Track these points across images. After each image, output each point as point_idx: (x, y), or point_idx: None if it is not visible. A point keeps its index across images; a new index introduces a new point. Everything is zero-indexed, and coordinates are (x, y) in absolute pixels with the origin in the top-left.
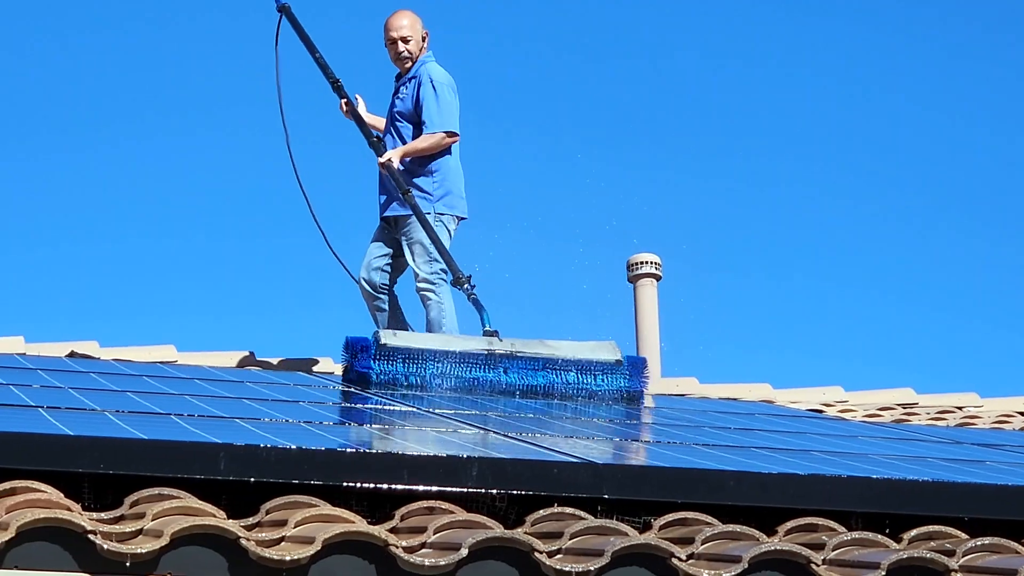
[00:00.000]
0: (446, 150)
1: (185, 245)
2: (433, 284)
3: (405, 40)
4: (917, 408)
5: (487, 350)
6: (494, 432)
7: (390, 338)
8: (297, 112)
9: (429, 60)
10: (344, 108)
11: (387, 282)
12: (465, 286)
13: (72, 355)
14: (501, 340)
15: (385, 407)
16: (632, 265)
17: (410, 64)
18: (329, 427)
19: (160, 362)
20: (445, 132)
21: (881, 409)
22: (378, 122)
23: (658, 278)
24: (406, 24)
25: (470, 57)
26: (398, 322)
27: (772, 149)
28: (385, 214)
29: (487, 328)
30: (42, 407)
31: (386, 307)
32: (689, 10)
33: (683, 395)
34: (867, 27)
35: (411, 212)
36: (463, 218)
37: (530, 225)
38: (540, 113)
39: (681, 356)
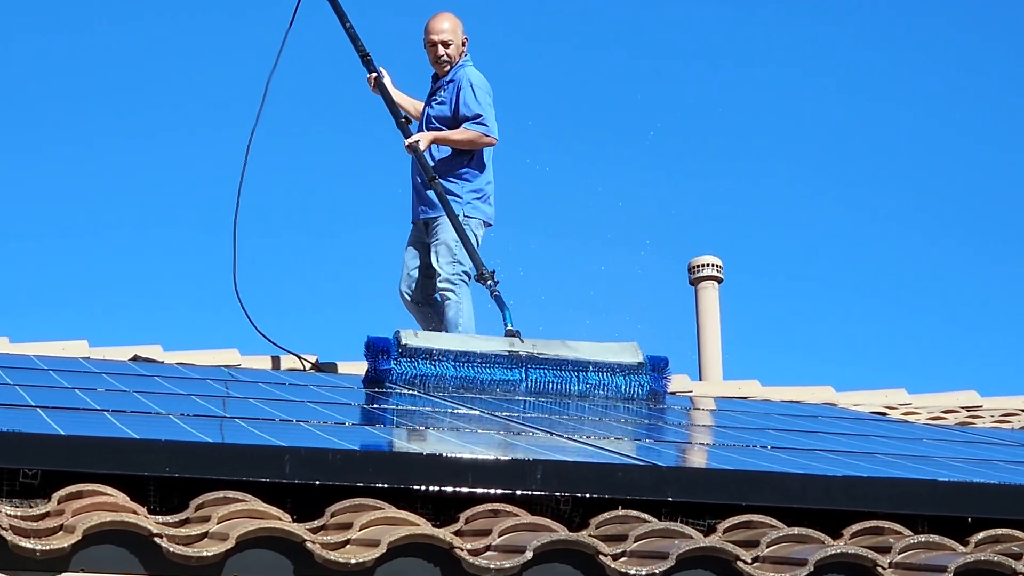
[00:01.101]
0: (479, 154)
1: (248, 245)
2: (454, 285)
3: (446, 44)
4: (981, 411)
5: (508, 351)
6: (557, 435)
7: (411, 338)
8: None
9: (468, 64)
10: (372, 82)
11: (422, 291)
12: (488, 282)
13: (136, 359)
14: (523, 341)
15: (450, 410)
16: (694, 268)
17: (449, 68)
18: (393, 430)
19: (224, 365)
20: (483, 133)
21: (945, 412)
22: (405, 101)
23: (720, 281)
24: (447, 28)
25: (523, 61)
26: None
27: (837, 152)
28: (417, 218)
29: (509, 327)
30: (107, 411)
31: (434, 313)
32: (754, 13)
33: (745, 398)
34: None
35: (441, 213)
36: (489, 224)
37: (591, 230)
38: (600, 117)
39: (743, 358)
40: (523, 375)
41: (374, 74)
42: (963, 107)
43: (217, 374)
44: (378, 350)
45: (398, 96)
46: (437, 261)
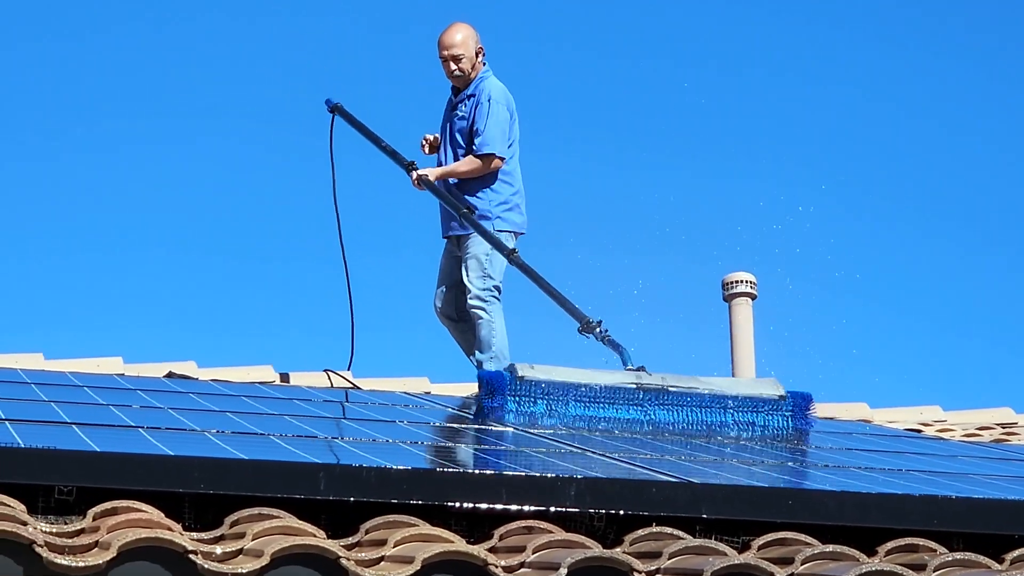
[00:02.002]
0: (511, 162)
1: (282, 263)
2: (485, 302)
3: (457, 59)
4: (1017, 428)
5: (636, 384)
6: (592, 452)
7: (527, 370)
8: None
9: (488, 76)
10: (416, 182)
11: (458, 306)
12: (596, 330)
13: (170, 375)
14: (651, 374)
15: (484, 426)
16: (727, 284)
17: (463, 81)
18: (427, 447)
19: (258, 382)
20: (490, 155)
21: (980, 429)
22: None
23: (753, 297)
24: (459, 41)
25: (557, 72)
26: (470, 350)
27: (873, 169)
28: (448, 234)
29: (631, 367)
30: (142, 427)
31: (460, 331)
32: (797, 23)
33: None
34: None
35: (470, 230)
36: (521, 233)
37: (624, 243)
38: (633, 131)
39: (777, 375)
40: (653, 412)
41: (415, 173)
42: (995, 120)
43: (252, 391)
44: (491, 387)
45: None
46: (467, 276)
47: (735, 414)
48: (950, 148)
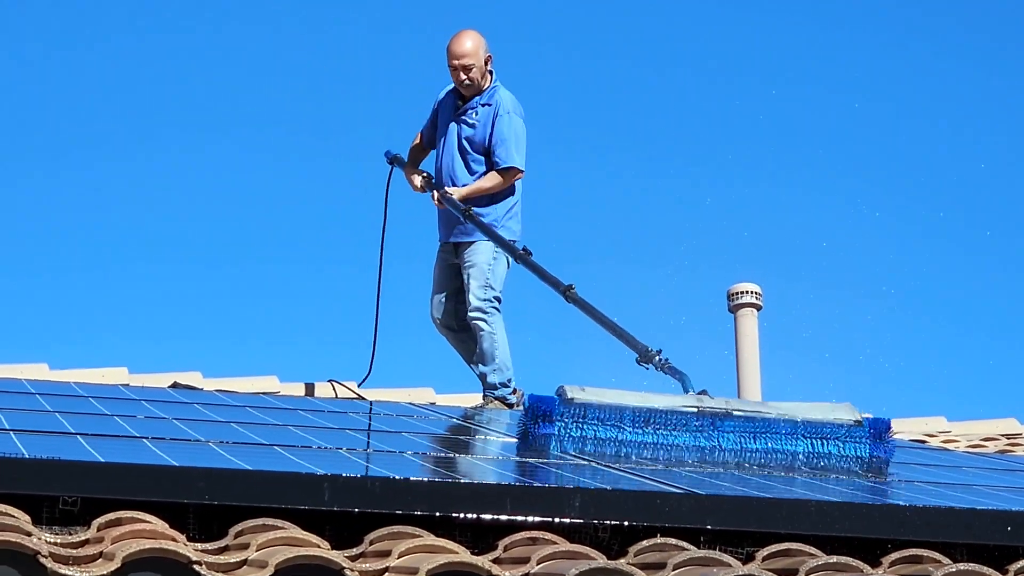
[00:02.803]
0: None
1: (287, 273)
2: (486, 313)
3: (468, 69)
4: (1021, 439)
5: (697, 408)
6: (597, 463)
7: (577, 393)
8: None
9: (499, 86)
10: (439, 201)
11: (456, 314)
12: (656, 359)
13: (175, 386)
14: (712, 398)
15: (488, 437)
16: (732, 295)
17: (473, 89)
18: (432, 457)
19: (263, 393)
20: (512, 168)
21: (985, 440)
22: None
23: (759, 308)
24: (469, 50)
25: (562, 80)
26: (470, 359)
27: (877, 178)
28: (449, 240)
29: (693, 393)
30: (147, 438)
31: (467, 340)
32: (803, 30)
33: None
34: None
35: (475, 237)
36: (515, 240)
37: (628, 254)
38: (638, 141)
39: (783, 386)
40: (715, 439)
41: (437, 192)
42: (1003, 125)
43: (257, 401)
44: (538, 412)
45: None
46: (469, 287)
47: (807, 442)
48: (957, 160)
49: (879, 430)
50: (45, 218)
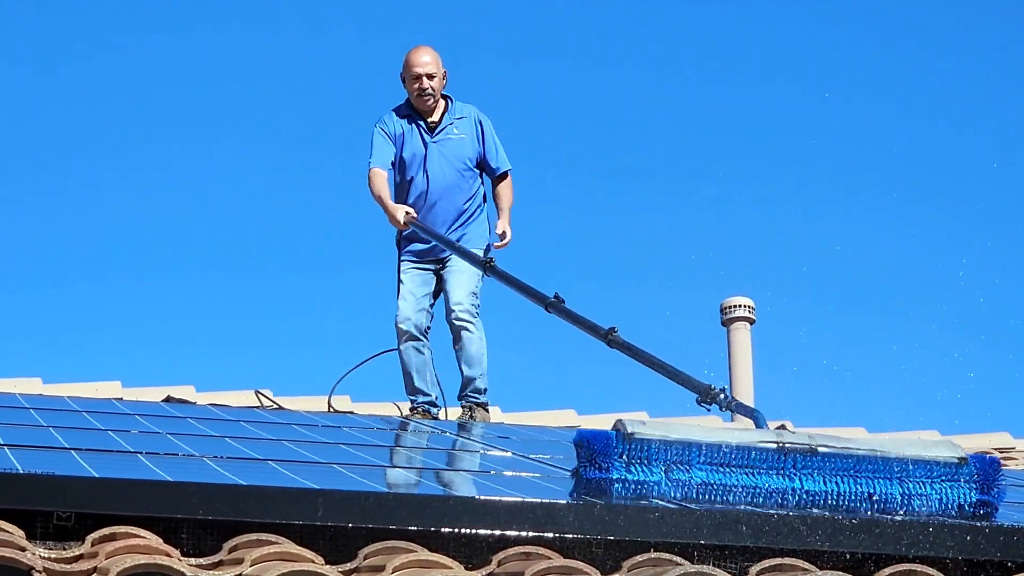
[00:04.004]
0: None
1: (283, 286)
2: (473, 318)
3: (430, 76)
4: (1015, 452)
5: (777, 443)
6: None
7: (638, 428)
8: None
9: (458, 102)
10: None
11: (430, 325)
12: (720, 397)
13: (169, 400)
14: (793, 432)
15: (482, 451)
16: (726, 308)
17: (432, 102)
18: (425, 472)
19: (254, 406)
20: (510, 170)
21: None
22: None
23: (752, 322)
24: (430, 60)
25: (554, 98)
26: (431, 373)
27: (869, 189)
28: (442, 256)
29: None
30: (140, 453)
31: (424, 351)
32: (797, 39)
33: None
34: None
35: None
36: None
37: (620, 269)
38: (629, 155)
39: (776, 399)
40: (802, 481)
41: (496, 247)
42: (994, 131)
43: (250, 416)
44: (593, 450)
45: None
46: (457, 288)
47: (903, 484)
48: (951, 173)
49: (988, 470)
50: (39, 232)
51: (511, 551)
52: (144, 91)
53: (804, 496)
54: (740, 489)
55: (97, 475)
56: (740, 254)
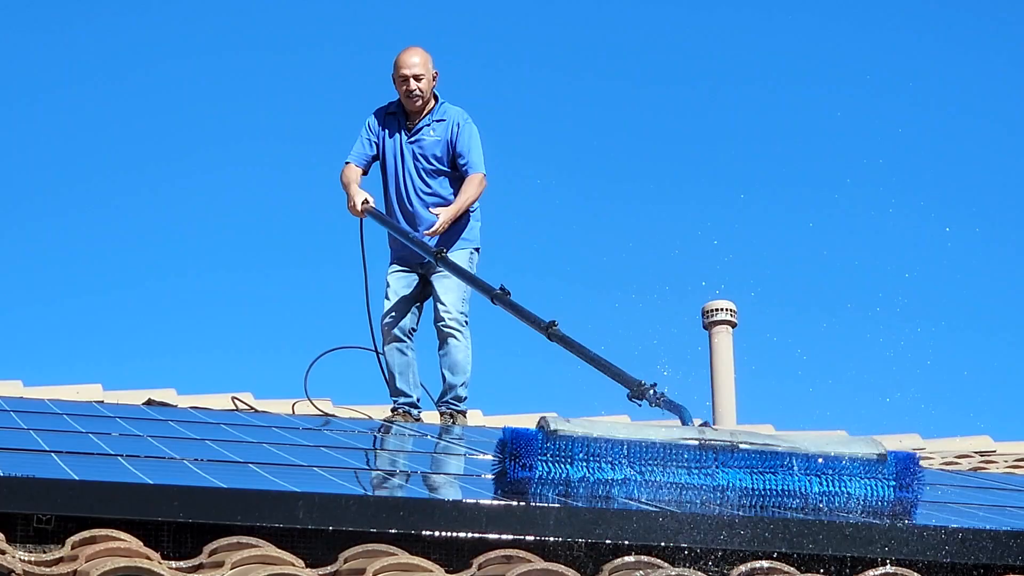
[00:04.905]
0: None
1: (262, 289)
2: (462, 326)
3: (418, 78)
4: (995, 456)
5: (699, 441)
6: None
7: (562, 425)
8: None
9: (447, 103)
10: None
11: (413, 326)
12: (650, 393)
13: (150, 403)
14: (716, 429)
15: (463, 454)
16: (707, 312)
17: (420, 103)
18: (406, 475)
19: (236, 408)
20: (482, 174)
21: (958, 457)
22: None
23: (733, 325)
24: (418, 62)
25: (533, 98)
26: (414, 375)
27: (848, 192)
28: (419, 262)
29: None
30: (121, 455)
31: (407, 352)
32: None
33: None
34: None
35: (448, 247)
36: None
37: (600, 274)
38: (609, 159)
39: (757, 403)
40: (723, 477)
41: (430, 231)
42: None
43: (231, 419)
44: (517, 447)
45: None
46: (446, 294)
47: (823, 480)
48: (939, 174)
49: (906, 466)
50: (18, 236)
51: (492, 554)
52: (134, 97)
53: (725, 492)
54: (662, 484)
55: (77, 478)
56: (722, 257)
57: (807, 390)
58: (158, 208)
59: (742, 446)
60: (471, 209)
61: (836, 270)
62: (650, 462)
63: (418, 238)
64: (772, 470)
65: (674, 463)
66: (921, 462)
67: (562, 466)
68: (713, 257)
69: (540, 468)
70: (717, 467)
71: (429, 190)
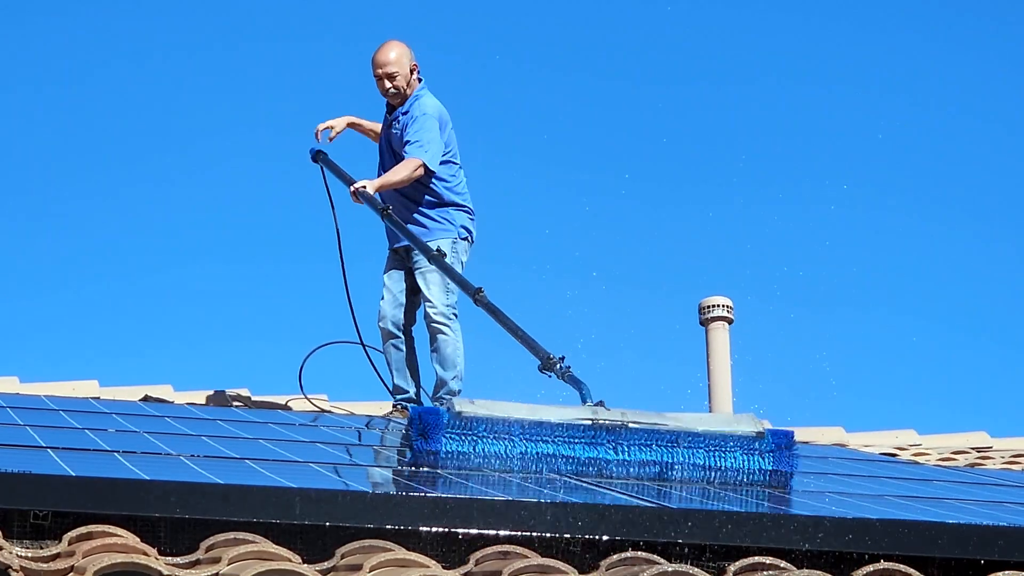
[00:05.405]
0: (453, 174)
1: (258, 287)
2: (449, 319)
3: (391, 77)
4: (991, 452)
5: (592, 420)
6: (567, 476)
7: (466, 406)
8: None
9: (423, 93)
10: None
11: (407, 321)
12: (558, 367)
13: (146, 399)
14: (608, 409)
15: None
16: (704, 308)
17: (400, 98)
18: (403, 471)
19: (233, 404)
20: (416, 161)
21: (955, 453)
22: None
23: (730, 321)
24: (392, 59)
25: (529, 94)
26: (411, 368)
27: (846, 189)
28: (396, 245)
29: (590, 403)
30: (118, 451)
31: (402, 348)
32: (773, 39)
33: None
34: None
35: (427, 238)
36: (467, 238)
37: (598, 270)
38: (607, 155)
39: (754, 400)
40: (613, 452)
41: (353, 186)
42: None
43: (228, 415)
44: (425, 425)
45: (371, 125)
46: (428, 290)
47: (705, 455)
48: (932, 171)
49: (782, 442)
50: (13, 232)
51: (489, 550)
52: (132, 93)
53: (616, 466)
54: (556, 459)
55: (74, 474)
56: (719, 253)
57: (804, 387)
58: (155, 204)
59: (632, 425)
60: (449, 200)
61: (834, 267)
62: (546, 439)
63: (398, 220)
64: (658, 446)
65: (568, 439)
66: (919, 458)
67: (466, 442)
68: (710, 254)
69: (446, 444)
70: (607, 443)
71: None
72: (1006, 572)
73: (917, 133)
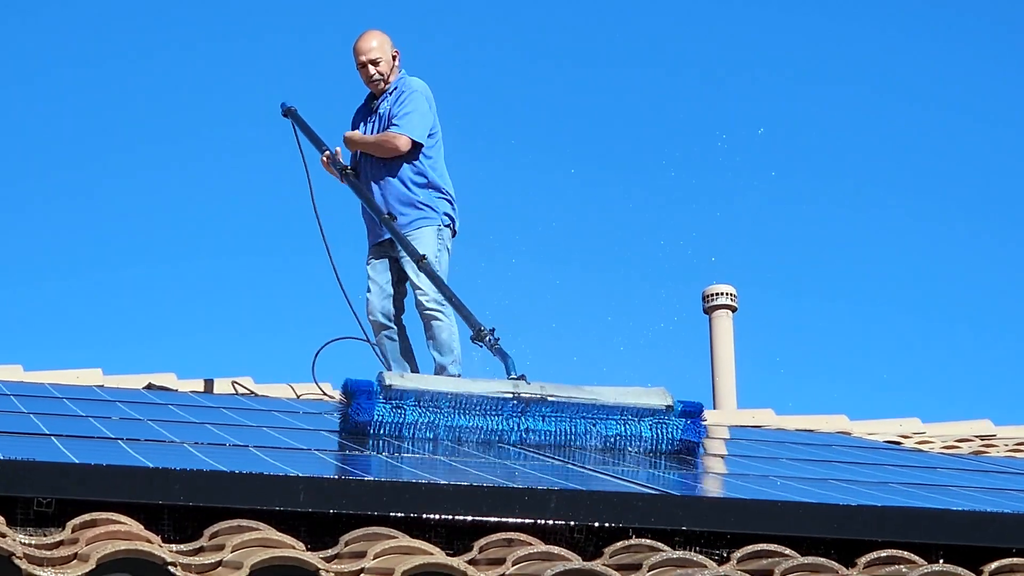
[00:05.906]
0: (424, 154)
1: (262, 276)
2: (442, 306)
3: (375, 63)
4: (995, 440)
5: (513, 394)
6: (571, 464)
7: (396, 379)
8: None
9: (405, 76)
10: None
11: (396, 310)
12: (487, 338)
13: (150, 387)
14: (529, 383)
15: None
16: (708, 296)
17: (383, 85)
18: (406, 459)
19: (236, 392)
20: (402, 136)
21: (959, 441)
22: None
23: (734, 309)
24: (375, 46)
25: (531, 83)
26: (407, 355)
27: (849, 177)
28: (380, 240)
29: (513, 376)
30: (121, 439)
31: (395, 337)
32: (777, 26)
33: (759, 426)
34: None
35: (412, 227)
36: (450, 226)
37: (602, 259)
38: (611, 145)
39: (757, 387)
40: (532, 422)
41: (326, 152)
42: (985, 129)
43: (231, 402)
44: (357, 394)
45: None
46: (418, 278)
47: (619, 425)
48: (929, 161)
49: (690, 413)
50: (18, 221)
51: (493, 537)
52: (132, 82)
53: (534, 435)
54: (478, 429)
55: (78, 461)
56: (723, 241)
57: (807, 374)
58: (159, 192)
59: (550, 398)
60: (433, 181)
61: (837, 255)
62: (470, 410)
63: (371, 198)
64: (574, 417)
65: (490, 411)
66: (922, 446)
67: (395, 412)
68: (714, 242)
69: (376, 414)
70: (527, 415)
71: (384, 167)
72: (1011, 559)
73: (916, 131)
